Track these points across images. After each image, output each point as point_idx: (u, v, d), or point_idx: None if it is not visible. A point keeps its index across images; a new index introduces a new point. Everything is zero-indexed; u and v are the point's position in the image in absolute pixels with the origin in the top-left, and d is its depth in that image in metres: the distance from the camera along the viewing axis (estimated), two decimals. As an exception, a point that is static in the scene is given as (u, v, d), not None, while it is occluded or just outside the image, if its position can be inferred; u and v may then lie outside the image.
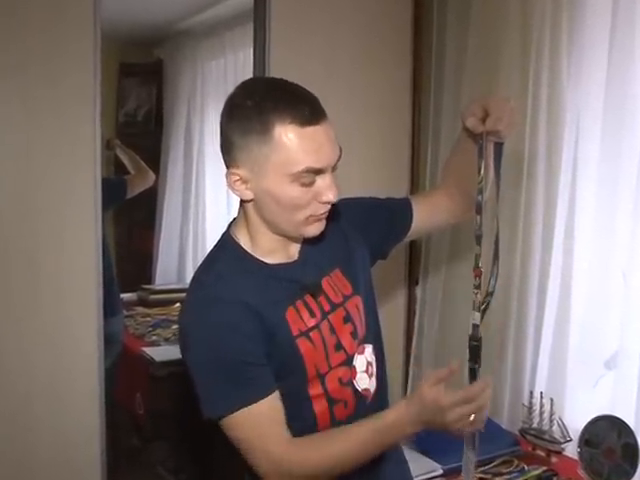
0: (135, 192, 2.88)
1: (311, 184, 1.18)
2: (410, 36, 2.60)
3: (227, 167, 1.22)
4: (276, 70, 2.32)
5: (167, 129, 3.24)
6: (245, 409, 1.18)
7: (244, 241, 1.28)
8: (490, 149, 1.34)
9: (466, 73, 2.35)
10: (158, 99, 3.23)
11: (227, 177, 1.20)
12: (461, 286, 2.37)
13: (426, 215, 1.51)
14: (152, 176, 2.96)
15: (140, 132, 3.21)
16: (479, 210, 1.27)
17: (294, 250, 1.31)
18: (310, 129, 1.15)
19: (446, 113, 2.47)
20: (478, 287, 1.21)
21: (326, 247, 1.32)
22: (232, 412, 1.19)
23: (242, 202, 1.26)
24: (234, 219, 1.33)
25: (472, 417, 1.12)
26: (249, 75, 2.46)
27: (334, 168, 1.21)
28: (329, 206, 1.23)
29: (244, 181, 1.19)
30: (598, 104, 1.93)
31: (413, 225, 1.48)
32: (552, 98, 2.05)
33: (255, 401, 1.18)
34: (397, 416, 1.18)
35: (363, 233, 1.42)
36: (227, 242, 1.29)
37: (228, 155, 1.20)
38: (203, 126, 3.18)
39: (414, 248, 2.68)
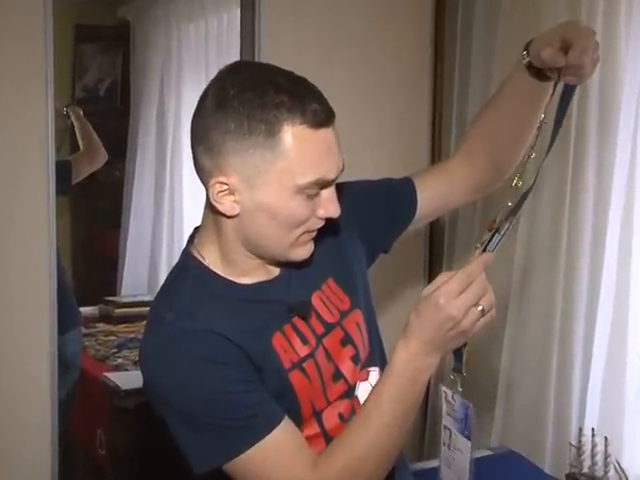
0: (82, 175, 2.85)
1: (315, 197, 1.18)
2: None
3: (207, 176, 1.19)
4: (269, 36, 2.31)
5: (135, 107, 3.22)
6: (258, 445, 1.17)
7: (212, 259, 1.26)
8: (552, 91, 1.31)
9: (500, 30, 2.33)
10: (124, 70, 3.21)
11: (211, 188, 1.18)
12: (495, 289, 2.34)
13: (436, 195, 1.48)
14: (103, 155, 2.93)
15: (102, 110, 3.18)
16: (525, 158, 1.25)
17: (274, 266, 1.30)
18: (322, 132, 1.15)
19: (474, 81, 2.45)
20: (483, 244, 1.17)
21: (314, 253, 1.29)
22: (238, 454, 1.17)
23: (216, 215, 1.23)
24: (196, 230, 1.31)
25: (480, 307, 1.12)
26: (235, 41, 2.44)
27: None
28: (324, 221, 1.23)
29: (232, 192, 1.18)
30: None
31: (419, 211, 1.46)
32: (606, 63, 2.01)
33: (267, 433, 1.17)
34: (405, 360, 1.16)
35: (357, 227, 1.40)
36: (189, 264, 1.27)
37: (213, 160, 1.17)
38: (180, 103, 3.16)
39: (435, 239, 2.67)
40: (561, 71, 1.28)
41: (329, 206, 1.20)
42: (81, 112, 2.91)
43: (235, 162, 1.15)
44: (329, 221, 1.24)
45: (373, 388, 1.24)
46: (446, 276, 1.13)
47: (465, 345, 1.20)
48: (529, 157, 1.26)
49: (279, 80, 1.15)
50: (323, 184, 1.17)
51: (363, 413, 1.22)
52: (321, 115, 1.14)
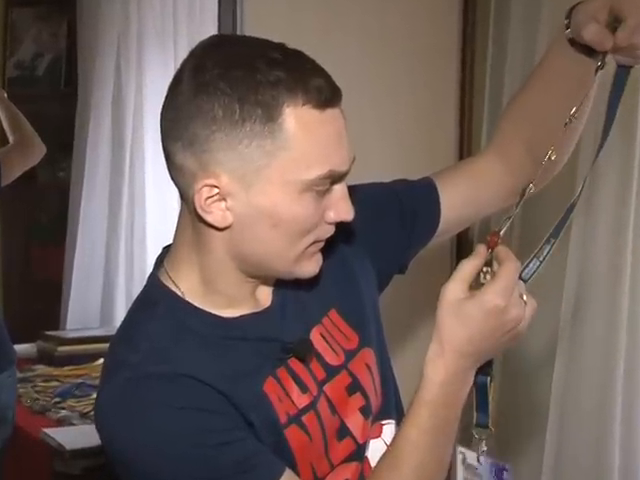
0: (14, 174, 2.86)
1: (325, 194, 1.19)
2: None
3: (189, 180, 1.18)
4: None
5: (84, 90, 3.24)
6: None
7: (188, 288, 1.25)
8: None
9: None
10: (70, 42, 3.22)
11: (197, 194, 1.17)
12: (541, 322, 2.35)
13: (464, 199, 1.49)
14: (38, 145, 2.95)
15: (41, 94, 3.20)
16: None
17: (265, 293, 1.30)
18: (330, 113, 1.17)
19: (512, 59, 2.45)
20: (490, 265, 1.18)
21: (311, 278, 1.29)
22: None
23: (201, 228, 1.22)
24: (165, 251, 1.30)
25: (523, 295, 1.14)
26: (212, 7, 2.45)
27: None
28: (334, 227, 1.24)
29: (223, 197, 1.17)
30: None
31: (443, 219, 1.47)
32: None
33: None
34: (443, 380, 1.16)
35: (365, 242, 1.40)
36: (157, 294, 1.27)
37: (197, 158, 1.17)
38: (141, 86, 3.18)
39: (462, 252, 2.67)
40: (606, 54, 1.26)
41: (341, 207, 1.20)
42: (4, 93, 2.90)
43: (226, 158, 1.15)
44: (337, 229, 1.24)
45: (404, 418, 1.22)
46: (470, 264, 1.16)
47: (491, 381, 1.20)
48: (570, 121, 1.26)
49: (271, 53, 1.16)
50: (335, 178, 1.18)
51: (394, 453, 1.21)
52: (327, 92, 1.15)
